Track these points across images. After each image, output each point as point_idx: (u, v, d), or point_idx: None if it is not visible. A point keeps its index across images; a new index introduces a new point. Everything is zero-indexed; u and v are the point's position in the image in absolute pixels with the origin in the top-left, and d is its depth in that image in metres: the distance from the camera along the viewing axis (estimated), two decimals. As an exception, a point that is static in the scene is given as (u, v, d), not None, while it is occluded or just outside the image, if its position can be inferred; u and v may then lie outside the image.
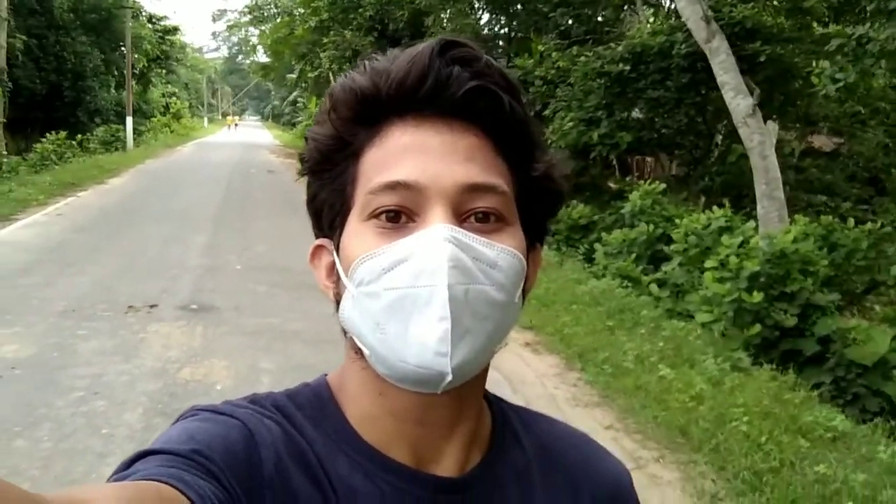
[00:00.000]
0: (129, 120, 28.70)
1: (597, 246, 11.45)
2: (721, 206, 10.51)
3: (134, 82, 31.58)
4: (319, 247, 0.71)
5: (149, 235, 10.58)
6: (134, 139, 29.25)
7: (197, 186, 17.48)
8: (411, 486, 0.68)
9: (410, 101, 0.65)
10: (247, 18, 42.54)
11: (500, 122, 0.66)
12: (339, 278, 0.68)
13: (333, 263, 0.69)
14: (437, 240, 0.61)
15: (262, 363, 5.51)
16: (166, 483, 0.53)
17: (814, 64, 9.27)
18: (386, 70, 0.65)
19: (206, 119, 73.18)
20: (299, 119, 52.26)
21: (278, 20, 34.30)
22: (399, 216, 0.64)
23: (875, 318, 10.06)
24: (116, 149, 26.72)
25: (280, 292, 7.73)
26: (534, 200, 0.70)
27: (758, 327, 7.36)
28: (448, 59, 0.64)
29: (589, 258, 11.51)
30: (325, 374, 0.75)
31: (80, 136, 24.81)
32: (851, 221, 10.16)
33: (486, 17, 24.64)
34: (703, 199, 14.04)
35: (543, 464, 0.76)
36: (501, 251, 0.64)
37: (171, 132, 42.08)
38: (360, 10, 25.01)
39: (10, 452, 3.93)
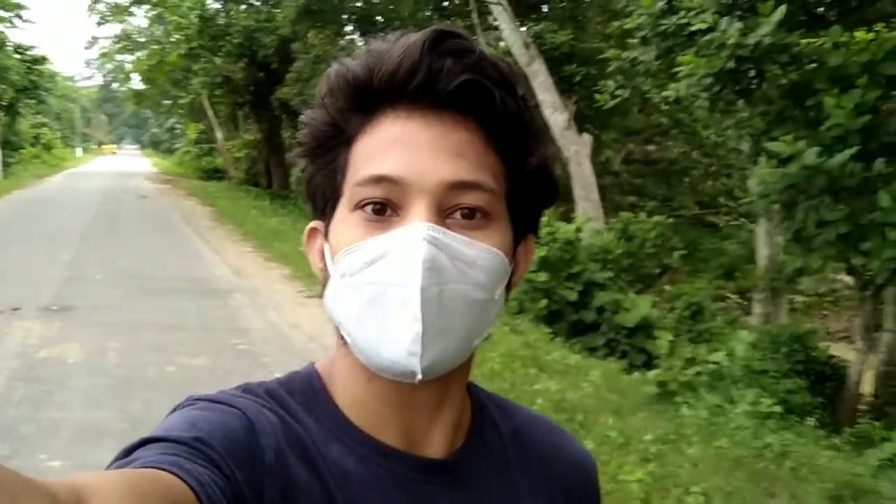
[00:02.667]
0: (-3, 151, 28.45)
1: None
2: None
3: (1, 114, 31.19)
4: (314, 229, 0.72)
5: (14, 255, 11.34)
6: (3, 171, 28.96)
7: (66, 212, 18.01)
8: (402, 468, 0.69)
9: (401, 93, 0.65)
10: (118, 46, 42.41)
11: (492, 116, 0.66)
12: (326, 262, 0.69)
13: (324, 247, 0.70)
14: (414, 239, 0.61)
15: (110, 343, 6.61)
16: (167, 470, 0.54)
17: (599, 83, 11.03)
18: (380, 57, 0.65)
19: (80, 149, 71.34)
20: (178, 145, 52.11)
21: (148, 49, 34.45)
22: (385, 209, 0.64)
23: (665, 296, 11.92)
24: (-17, 181, 26.51)
25: (137, 294, 8.77)
26: (527, 193, 0.70)
27: (545, 302, 8.91)
28: (440, 52, 0.64)
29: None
30: (314, 363, 0.76)
31: (-57, 169, 24.59)
32: (643, 215, 11.99)
33: (358, 38, 25.49)
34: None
35: (518, 448, 0.78)
36: (481, 250, 0.64)
37: (43, 163, 41.32)
38: (229, 37, 25.63)
39: None
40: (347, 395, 0.71)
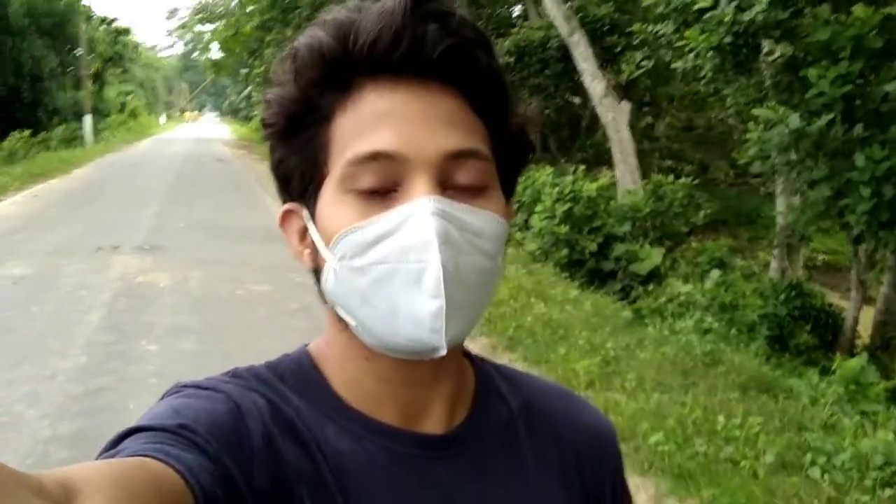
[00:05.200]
0: (88, 118, 30.68)
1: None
2: (590, 171, 13.23)
3: (90, 82, 33.43)
4: (289, 211, 0.70)
5: (110, 207, 13.12)
6: (93, 136, 31.24)
7: (152, 173, 19.90)
8: (399, 445, 0.69)
9: (384, 64, 0.63)
10: (197, 17, 44.37)
11: (476, 80, 0.65)
12: (314, 246, 0.67)
13: (305, 229, 0.68)
14: (423, 213, 0.60)
15: (192, 273, 8.09)
16: (153, 457, 0.54)
17: (626, 55, 11.96)
18: (353, 27, 0.63)
19: (163, 116, 74.60)
20: (255, 113, 54.16)
21: (225, 21, 36.13)
22: (381, 186, 0.63)
23: (691, 252, 12.86)
24: (76, 146, 28.77)
25: (213, 240, 10.30)
26: (508, 155, 0.69)
27: (566, 251, 10.02)
28: (421, 16, 0.62)
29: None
30: (306, 344, 0.75)
31: (41, 134, 26.85)
32: (671, 177, 12.90)
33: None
34: (581, 166, 16.76)
35: (527, 418, 0.77)
36: (486, 218, 0.64)
37: (129, 129, 43.79)
38: (299, 9, 26.92)
39: (29, 316, 6.44)
40: (342, 375, 0.70)
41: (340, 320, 0.68)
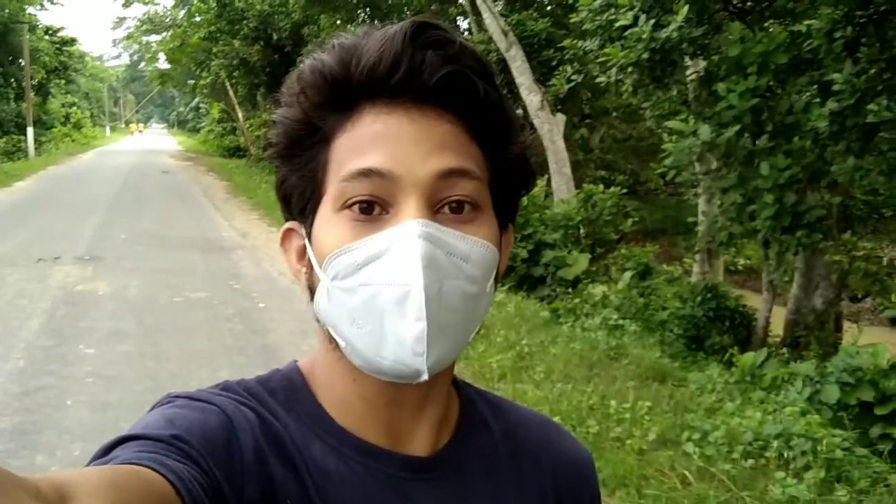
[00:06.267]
0: (30, 130, 30.33)
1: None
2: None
3: (33, 94, 33.01)
4: (289, 230, 0.72)
5: (52, 219, 13.24)
6: (35, 149, 30.87)
7: (95, 185, 19.93)
8: (384, 466, 0.70)
9: (382, 87, 0.64)
10: (143, 28, 44.01)
11: (473, 107, 0.66)
12: (311, 265, 0.68)
13: (304, 247, 0.70)
14: (409, 237, 0.61)
15: (132, 282, 8.35)
16: (146, 466, 0.55)
17: (560, 69, 12.54)
18: (356, 52, 0.65)
19: (108, 128, 73.58)
20: (202, 125, 53.91)
21: (171, 31, 35.97)
22: (372, 207, 0.64)
23: (620, 258, 13.47)
24: (19, 158, 28.46)
25: (154, 250, 10.53)
26: (507, 182, 0.70)
27: (497, 257, 10.48)
28: (421, 44, 0.64)
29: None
30: (296, 361, 0.76)
31: (-19, 146, 26.57)
32: (601, 187, 13.51)
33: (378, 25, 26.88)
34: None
35: (510, 446, 0.78)
36: (475, 244, 0.65)
37: (73, 141, 43.20)
38: (245, 20, 27.05)
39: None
40: (330, 393, 0.71)
41: (331, 340, 0.68)
